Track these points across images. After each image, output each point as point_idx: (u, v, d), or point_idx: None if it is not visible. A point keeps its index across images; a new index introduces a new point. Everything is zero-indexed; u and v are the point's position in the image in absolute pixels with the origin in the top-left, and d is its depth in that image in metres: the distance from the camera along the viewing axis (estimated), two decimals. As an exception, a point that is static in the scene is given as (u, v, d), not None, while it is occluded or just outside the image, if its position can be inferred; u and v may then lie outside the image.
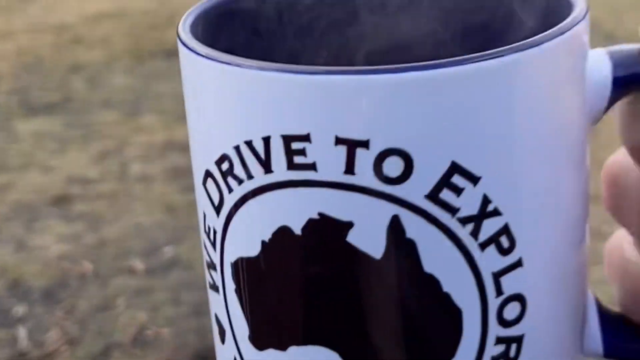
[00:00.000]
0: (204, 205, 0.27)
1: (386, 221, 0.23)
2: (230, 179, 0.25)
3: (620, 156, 0.29)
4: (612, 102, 0.27)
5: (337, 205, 0.23)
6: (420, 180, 0.23)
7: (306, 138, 0.23)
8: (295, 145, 0.23)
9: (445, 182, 0.23)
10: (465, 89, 0.23)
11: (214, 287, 0.27)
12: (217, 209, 0.26)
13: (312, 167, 0.23)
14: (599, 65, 0.26)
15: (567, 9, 0.26)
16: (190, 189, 1.76)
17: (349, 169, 0.23)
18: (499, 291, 0.24)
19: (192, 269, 1.89)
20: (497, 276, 0.24)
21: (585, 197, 0.27)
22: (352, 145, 0.23)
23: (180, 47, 0.26)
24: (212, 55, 0.24)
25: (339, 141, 0.23)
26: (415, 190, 0.23)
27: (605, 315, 0.29)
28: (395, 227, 0.23)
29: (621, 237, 0.30)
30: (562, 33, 0.24)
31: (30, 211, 2.10)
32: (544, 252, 0.25)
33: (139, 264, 1.91)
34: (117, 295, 1.81)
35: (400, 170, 0.23)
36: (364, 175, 0.23)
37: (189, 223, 2.05)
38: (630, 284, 0.29)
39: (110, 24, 3.38)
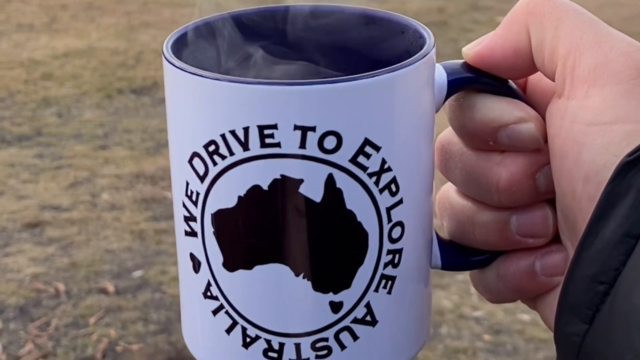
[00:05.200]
0: (187, 177, 0.36)
1: (324, 177, 0.34)
2: (215, 157, 0.35)
3: (447, 133, 0.41)
4: (447, 97, 0.38)
5: (294, 169, 0.34)
6: (346, 150, 0.34)
7: (275, 127, 0.34)
8: (267, 132, 0.34)
9: (361, 150, 0.35)
10: (372, 91, 0.35)
11: (192, 234, 0.37)
12: (202, 178, 0.36)
13: (278, 145, 0.34)
14: (440, 73, 0.38)
15: (422, 40, 0.38)
16: (158, 218, 1.84)
17: (302, 144, 0.34)
18: (389, 219, 0.36)
19: (160, 291, 1.94)
20: (388, 210, 0.36)
21: (433, 162, 0.39)
22: (304, 130, 0.34)
23: (169, 66, 0.36)
24: (199, 72, 0.35)
25: (296, 127, 0.34)
26: (343, 156, 0.34)
27: (441, 241, 0.41)
28: (330, 181, 0.35)
29: (447, 188, 0.42)
30: (425, 55, 0.36)
31: (4, 236, 2.13)
32: (414, 195, 0.37)
33: (109, 285, 1.96)
34: (89, 314, 1.86)
35: (334, 144, 0.34)
36: (312, 148, 0.34)
37: (157, 249, 2.11)
38: (455, 217, 0.41)
39: (79, 61, 3.38)
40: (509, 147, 0.38)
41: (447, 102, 0.39)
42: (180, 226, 0.38)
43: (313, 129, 0.34)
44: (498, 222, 0.39)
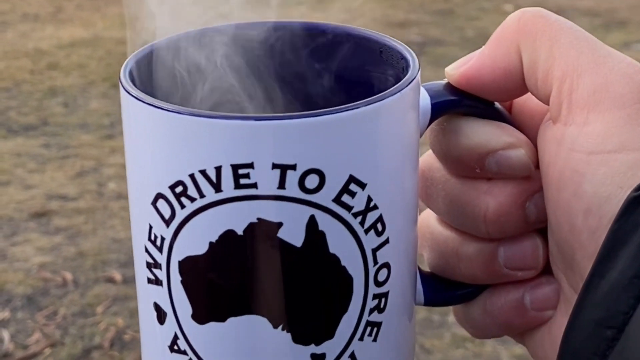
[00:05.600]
0: (150, 220, 0.32)
1: (306, 220, 0.31)
2: (183, 199, 0.31)
3: (428, 157, 0.38)
4: (430, 121, 0.35)
5: (272, 211, 0.31)
6: (329, 189, 0.31)
7: (250, 165, 0.30)
8: (242, 171, 0.30)
9: (345, 189, 0.31)
10: (356, 124, 0.31)
11: (156, 282, 0.33)
12: (168, 222, 0.32)
13: (254, 185, 0.30)
14: (423, 96, 0.35)
15: (404, 62, 0.35)
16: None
17: (281, 184, 0.30)
18: (375, 261, 0.33)
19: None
20: (374, 251, 0.33)
21: (417, 193, 0.35)
22: (284, 168, 0.30)
23: (130, 99, 0.32)
24: (163, 105, 0.31)
25: (275, 166, 0.30)
26: (326, 196, 0.31)
27: (422, 275, 0.37)
28: (311, 223, 0.31)
29: (427, 216, 0.38)
30: (412, 80, 0.33)
31: (11, 225, 2.11)
32: (400, 232, 0.34)
33: (116, 274, 1.93)
34: (96, 303, 1.84)
35: (317, 183, 0.31)
36: (292, 188, 0.31)
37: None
38: (437, 248, 0.38)
39: (85, 51, 3.33)
40: (496, 175, 0.35)
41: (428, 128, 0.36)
42: (142, 273, 0.34)
43: (293, 167, 0.30)
44: (485, 254, 0.36)
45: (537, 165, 0.35)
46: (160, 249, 0.32)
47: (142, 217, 0.33)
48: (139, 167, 0.33)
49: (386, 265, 0.33)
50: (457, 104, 0.35)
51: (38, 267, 1.95)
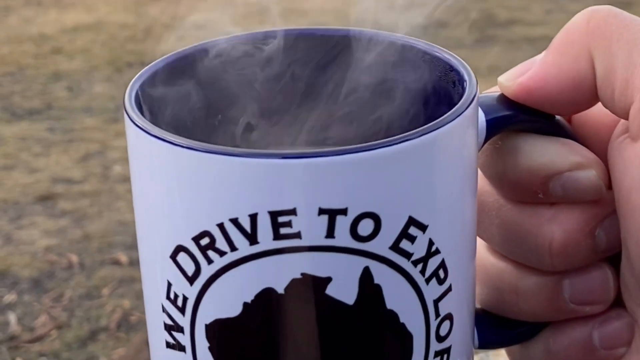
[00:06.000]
0: (168, 275, 0.26)
1: (359, 272, 0.26)
2: (210, 252, 0.25)
3: (478, 180, 0.32)
4: (485, 141, 0.30)
5: (319, 265, 0.25)
6: (386, 235, 0.26)
7: (292, 212, 0.25)
8: (282, 219, 0.25)
9: (404, 233, 0.26)
10: (416, 156, 0.26)
11: (177, 347, 0.27)
12: (191, 279, 0.26)
13: (297, 235, 0.25)
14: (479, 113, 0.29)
15: (455, 75, 0.29)
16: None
17: (330, 233, 0.25)
18: (437, 314, 0.27)
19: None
20: (436, 302, 0.27)
21: (476, 223, 0.30)
22: (332, 214, 0.25)
23: (138, 132, 0.26)
24: (184, 143, 0.25)
25: (322, 211, 0.25)
26: (382, 244, 0.26)
27: (475, 314, 0.31)
28: (366, 276, 0.26)
29: (477, 246, 0.32)
30: (472, 99, 0.27)
31: (17, 209, 2.08)
32: (462, 277, 0.28)
33: (122, 256, 1.90)
34: (102, 285, 1.81)
35: (371, 229, 0.25)
36: (342, 236, 0.25)
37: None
38: (490, 283, 0.33)
39: (88, 35, 3.28)
40: (562, 199, 0.30)
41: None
42: (159, 335, 0.28)
43: (344, 211, 0.25)
44: (547, 288, 0.32)
45: (608, 187, 0.30)
46: (182, 310, 0.27)
47: (158, 273, 0.27)
48: (152, 213, 0.27)
49: (449, 316, 0.28)
50: (514, 119, 0.30)
51: (44, 250, 1.92)
